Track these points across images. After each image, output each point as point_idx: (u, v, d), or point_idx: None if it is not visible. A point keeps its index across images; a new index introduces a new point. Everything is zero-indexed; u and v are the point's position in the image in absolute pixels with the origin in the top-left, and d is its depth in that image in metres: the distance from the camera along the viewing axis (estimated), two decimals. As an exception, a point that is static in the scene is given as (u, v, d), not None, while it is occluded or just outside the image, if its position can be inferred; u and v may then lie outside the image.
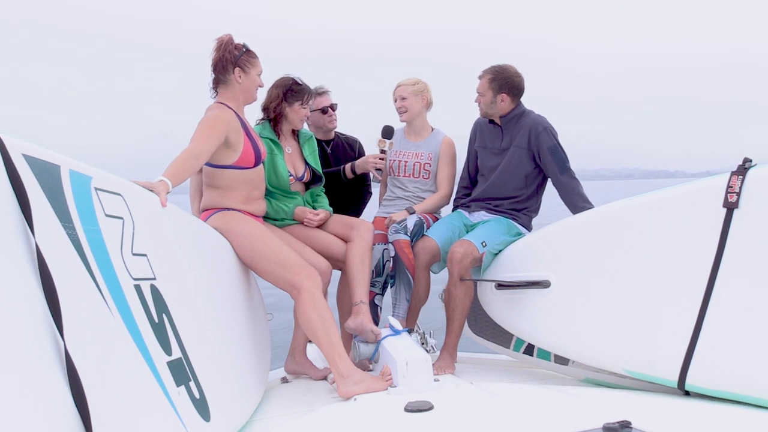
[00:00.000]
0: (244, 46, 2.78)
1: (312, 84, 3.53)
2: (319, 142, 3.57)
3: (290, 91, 3.06)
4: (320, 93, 3.57)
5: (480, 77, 3.28)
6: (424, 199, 3.43)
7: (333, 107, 3.60)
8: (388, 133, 3.41)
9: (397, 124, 3.57)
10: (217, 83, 2.79)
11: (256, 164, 2.80)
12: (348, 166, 3.45)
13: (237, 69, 2.75)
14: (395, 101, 3.44)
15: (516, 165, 3.24)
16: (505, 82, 3.22)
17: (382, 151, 3.37)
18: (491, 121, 3.33)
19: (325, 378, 3.00)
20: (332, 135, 3.68)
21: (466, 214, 3.35)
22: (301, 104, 3.08)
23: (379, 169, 3.37)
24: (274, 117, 3.09)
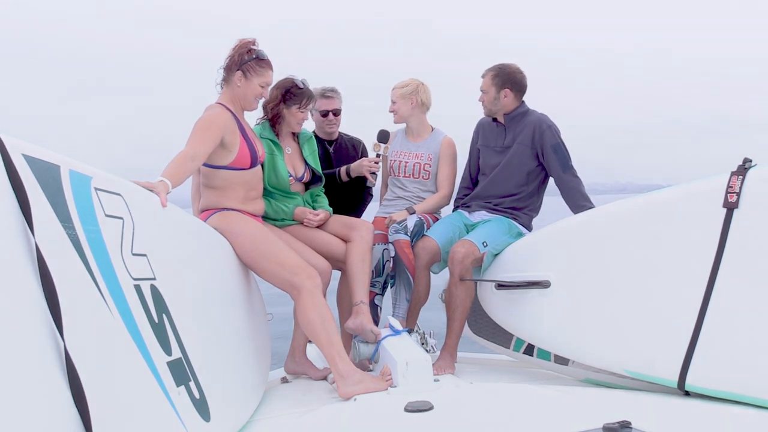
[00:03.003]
0: (257, 53, 2.75)
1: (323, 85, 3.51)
2: (321, 141, 3.56)
3: (289, 93, 3.02)
4: (326, 96, 3.53)
5: (483, 76, 3.30)
6: (424, 199, 3.43)
7: (335, 112, 3.57)
8: (383, 137, 3.40)
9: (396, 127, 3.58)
10: (225, 82, 2.80)
11: (252, 166, 2.79)
12: (343, 169, 3.43)
13: (239, 72, 2.74)
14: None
15: (518, 162, 3.24)
16: (507, 77, 3.24)
17: (378, 155, 3.37)
18: (494, 120, 3.34)
19: (325, 378, 3.00)
20: (335, 135, 3.67)
21: (466, 214, 3.35)
22: (299, 108, 3.03)
23: (374, 173, 3.35)
24: (271, 117, 3.07)
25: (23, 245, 1.23)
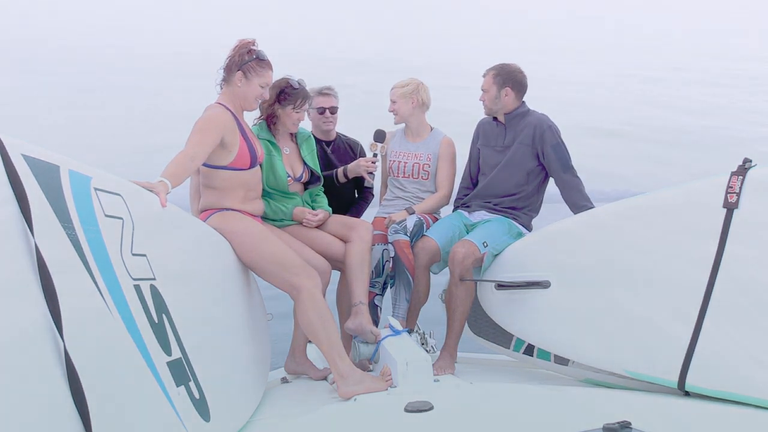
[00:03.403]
0: (257, 53, 2.75)
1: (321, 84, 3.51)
2: (319, 142, 3.56)
3: (284, 93, 3.00)
4: (323, 93, 3.53)
5: (484, 75, 3.31)
6: (423, 199, 3.43)
7: (332, 110, 3.56)
8: (379, 136, 3.38)
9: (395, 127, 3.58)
10: (225, 82, 2.80)
11: (251, 166, 2.79)
12: (340, 170, 3.43)
13: (239, 72, 2.74)
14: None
15: (519, 161, 3.24)
16: (508, 76, 3.26)
17: (375, 155, 3.36)
18: (495, 119, 3.35)
19: (325, 378, 3.00)
20: (333, 135, 3.66)
21: (466, 214, 3.35)
22: (294, 108, 3.01)
23: (371, 173, 3.34)
24: (267, 117, 3.06)
25: (23, 245, 1.23)
